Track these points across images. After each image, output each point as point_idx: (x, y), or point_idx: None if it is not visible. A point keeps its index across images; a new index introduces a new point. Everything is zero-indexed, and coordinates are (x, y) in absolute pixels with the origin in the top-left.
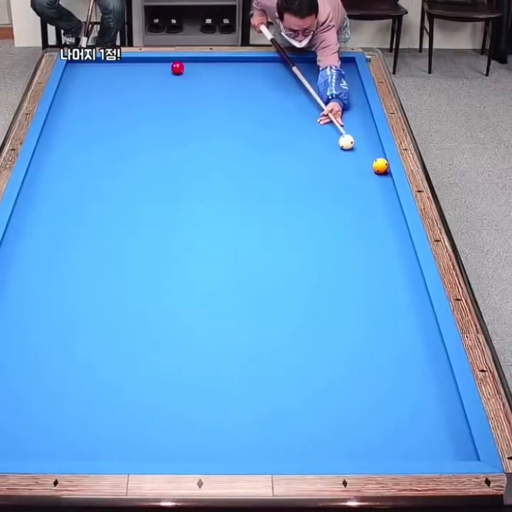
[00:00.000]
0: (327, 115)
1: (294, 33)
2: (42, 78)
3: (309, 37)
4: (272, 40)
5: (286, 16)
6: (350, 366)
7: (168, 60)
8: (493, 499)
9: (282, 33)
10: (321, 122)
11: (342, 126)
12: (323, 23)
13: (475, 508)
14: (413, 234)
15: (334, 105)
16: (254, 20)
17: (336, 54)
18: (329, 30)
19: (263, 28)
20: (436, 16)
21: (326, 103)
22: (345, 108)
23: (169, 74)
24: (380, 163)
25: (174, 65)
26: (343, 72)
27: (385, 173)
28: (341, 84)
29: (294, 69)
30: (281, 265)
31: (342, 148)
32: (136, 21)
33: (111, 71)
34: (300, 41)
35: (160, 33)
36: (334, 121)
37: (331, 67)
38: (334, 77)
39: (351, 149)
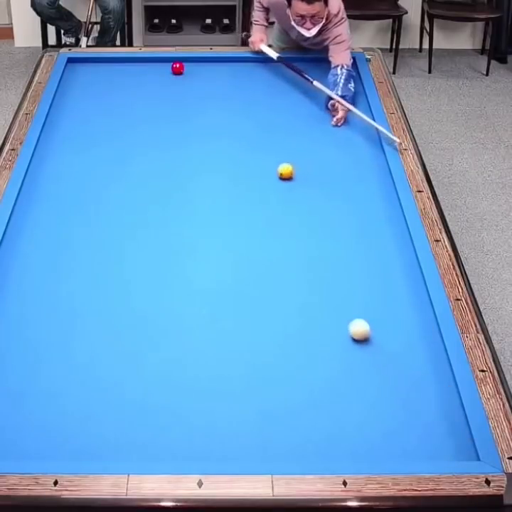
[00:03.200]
0: (337, 109)
1: (302, 19)
2: (42, 78)
3: (319, 26)
4: (278, 57)
5: (294, 1)
6: (351, 366)
7: (168, 60)
8: (493, 499)
9: (292, 23)
10: (339, 123)
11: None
12: (336, 15)
13: (475, 508)
14: (413, 234)
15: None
16: (254, 37)
17: (349, 50)
18: (342, 23)
19: (263, 46)
20: (436, 16)
21: (330, 104)
22: None
23: (169, 74)
24: (286, 168)
25: (174, 65)
26: (353, 73)
27: (289, 178)
28: (349, 86)
29: (315, 83)
30: (281, 265)
31: (352, 337)
32: (136, 21)
33: (111, 71)
34: (309, 29)
35: (160, 33)
36: (343, 104)
37: (342, 67)
38: (344, 77)
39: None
